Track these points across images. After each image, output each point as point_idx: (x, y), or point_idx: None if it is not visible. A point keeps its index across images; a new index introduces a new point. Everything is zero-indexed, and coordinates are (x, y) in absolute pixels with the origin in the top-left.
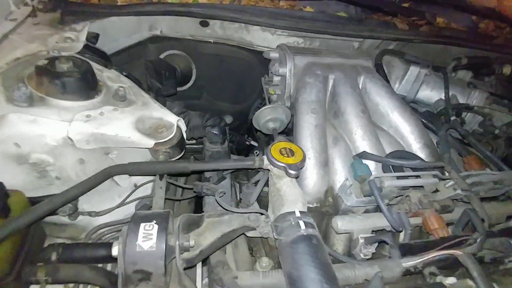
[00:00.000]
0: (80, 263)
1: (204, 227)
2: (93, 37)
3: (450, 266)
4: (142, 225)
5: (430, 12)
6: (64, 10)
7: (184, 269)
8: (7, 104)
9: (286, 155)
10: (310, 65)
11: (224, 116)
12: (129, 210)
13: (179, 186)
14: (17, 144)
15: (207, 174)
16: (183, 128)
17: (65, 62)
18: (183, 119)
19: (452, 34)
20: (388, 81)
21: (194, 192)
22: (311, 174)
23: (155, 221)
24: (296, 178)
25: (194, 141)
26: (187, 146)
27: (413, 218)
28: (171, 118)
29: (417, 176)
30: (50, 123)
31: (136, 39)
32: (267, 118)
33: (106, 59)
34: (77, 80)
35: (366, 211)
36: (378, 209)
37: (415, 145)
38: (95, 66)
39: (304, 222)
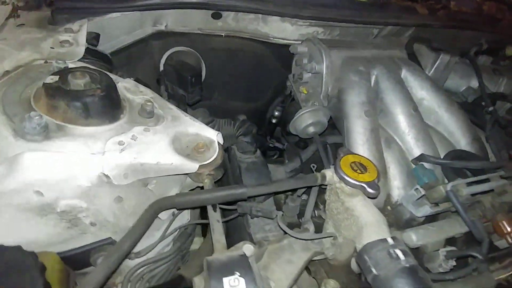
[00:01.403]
0: None
1: (267, 257)
2: (93, 38)
3: None
4: (226, 280)
5: None
6: (55, 7)
7: None
8: (16, 140)
9: (359, 171)
10: (349, 60)
11: (237, 116)
12: (166, 242)
13: (223, 208)
14: (39, 192)
15: None
16: (221, 142)
17: (80, 77)
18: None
19: (465, 18)
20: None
21: (239, 213)
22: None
23: (238, 273)
24: (374, 198)
25: None
26: None
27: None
28: (210, 133)
29: (486, 179)
30: (80, 158)
31: (137, 36)
32: (308, 122)
33: (109, 63)
34: (101, 99)
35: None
36: (439, 216)
37: (463, 141)
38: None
39: (401, 251)
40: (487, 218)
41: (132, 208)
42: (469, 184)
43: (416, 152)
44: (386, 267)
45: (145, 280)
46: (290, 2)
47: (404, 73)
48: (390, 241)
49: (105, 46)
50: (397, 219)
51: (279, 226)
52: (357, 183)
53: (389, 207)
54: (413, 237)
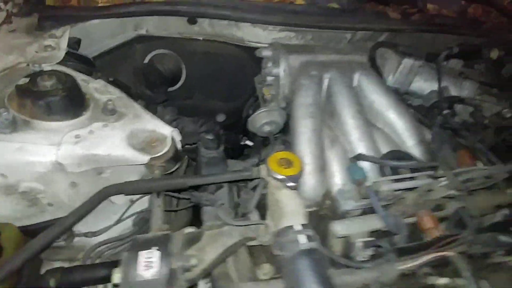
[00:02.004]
0: (80, 286)
1: (205, 241)
2: (74, 43)
3: (443, 265)
4: (143, 253)
5: None
6: (41, 14)
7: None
8: None
9: (284, 166)
10: (305, 64)
11: (217, 114)
12: (127, 225)
13: (176, 197)
14: (4, 174)
15: None
16: (178, 138)
17: (47, 79)
18: (177, 126)
19: (443, 22)
20: (381, 75)
21: (192, 202)
22: (309, 179)
23: (156, 247)
24: (295, 189)
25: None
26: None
27: (411, 219)
28: (165, 130)
29: (412, 178)
30: (38, 148)
31: (121, 40)
32: (263, 121)
33: (90, 65)
34: (63, 98)
35: (364, 213)
36: (374, 210)
37: (410, 142)
38: (81, 77)
39: (305, 235)
40: (410, 214)
41: (87, 193)
42: (394, 181)
43: (358, 151)
44: (289, 249)
45: (105, 258)
46: (259, 8)
47: (358, 77)
48: (297, 227)
49: (91, 50)
50: (334, 212)
51: (218, 214)
52: (279, 176)
53: (327, 201)
54: (337, 227)
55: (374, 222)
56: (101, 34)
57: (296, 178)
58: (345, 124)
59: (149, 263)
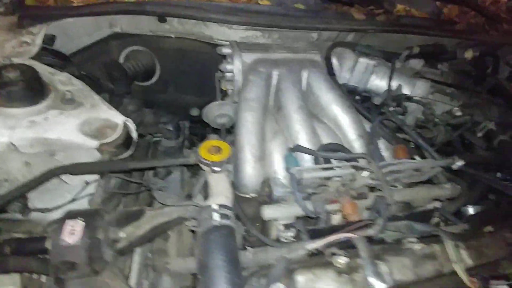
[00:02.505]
0: (30, 255)
1: (144, 220)
2: (49, 39)
3: (351, 247)
4: (68, 221)
5: (389, 0)
6: (22, 14)
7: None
8: None
9: (213, 152)
10: (257, 62)
11: (191, 108)
12: (82, 205)
13: (129, 181)
14: None
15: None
16: (132, 127)
17: (11, 71)
18: (138, 117)
19: (411, 22)
20: (333, 74)
21: (144, 186)
22: (248, 167)
23: (81, 218)
24: (220, 173)
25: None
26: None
27: (334, 205)
28: (118, 118)
29: (333, 168)
30: None
31: (97, 37)
32: (215, 114)
33: (65, 60)
34: (22, 88)
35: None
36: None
37: (351, 136)
38: (48, 70)
39: (219, 214)
40: (332, 200)
41: (40, 172)
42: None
43: (299, 143)
44: (203, 225)
45: None
46: (223, 9)
47: (307, 74)
48: (214, 206)
49: (70, 46)
50: (270, 198)
51: (154, 196)
52: (205, 161)
53: (267, 189)
54: (265, 211)
55: (300, 208)
56: (78, 32)
57: (221, 164)
58: (288, 117)
59: (73, 230)
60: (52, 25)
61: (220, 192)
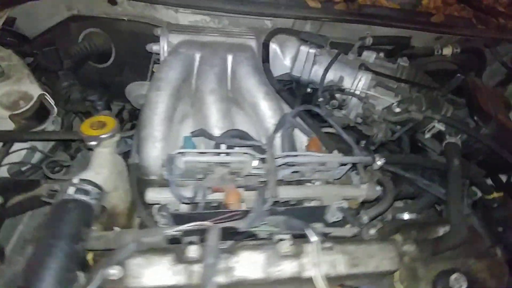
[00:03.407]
0: None
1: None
2: (10, 21)
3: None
4: None
5: None
6: None
7: None
8: None
9: (95, 128)
10: (181, 43)
11: None
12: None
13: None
14: None
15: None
16: (50, 102)
17: None
18: (67, 92)
19: (374, 12)
20: (267, 61)
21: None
22: (148, 148)
23: None
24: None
25: None
26: None
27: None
28: (35, 92)
29: (218, 154)
30: None
31: (57, 20)
32: (133, 94)
33: (23, 40)
34: None
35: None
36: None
37: (267, 124)
38: None
39: (76, 188)
40: (216, 187)
41: None
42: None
43: (210, 127)
44: (56, 198)
45: None
46: None
47: (232, 59)
48: (75, 181)
49: (34, 29)
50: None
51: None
52: (83, 135)
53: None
54: (149, 194)
55: (183, 193)
56: (39, 15)
57: (97, 139)
58: (201, 100)
59: None
60: (16, 9)
61: (93, 168)
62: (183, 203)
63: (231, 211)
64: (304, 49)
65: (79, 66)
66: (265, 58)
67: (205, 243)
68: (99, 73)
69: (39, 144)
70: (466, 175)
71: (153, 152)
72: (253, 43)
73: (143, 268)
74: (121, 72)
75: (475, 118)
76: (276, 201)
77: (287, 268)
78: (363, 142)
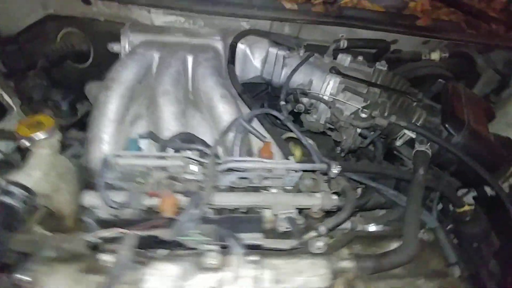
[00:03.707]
0: None
1: None
2: None
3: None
4: None
5: None
6: None
7: None
8: None
9: (32, 129)
10: (143, 43)
11: None
12: None
13: None
14: None
15: None
16: (8, 100)
17: None
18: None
19: (354, 15)
20: (232, 62)
21: None
22: (95, 150)
23: None
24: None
25: None
26: None
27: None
28: None
29: (154, 157)
30: None
31: (35, 18)
32: (94, 93)
33: None
34: None
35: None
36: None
37: (224, 127)
38: None
39: (2, 190)
40: (152, 191)
41: None
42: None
43: (162, 129)
44: None
45: None
46: None
47: (193, 60)
48: (2, 182)
49: (14, 27)
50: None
51: None
52: (17, 135)
53: None
54: (85, 197)
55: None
56: (17, 14)
57: (30, 139)
58: (156, 101)
59: None
60: None
61: (25, 169)
62: (111, 207)
63: (158, 218)
64: (273, 51)
65: (55, 66)
66: (230, 60)
67: (117, 252)
68: (79, 73)
69: (2, 144)
70: (435, 187)
71: (99, 154)
72: (218, 44)
73: (46, 275)
74: (101, 74)
75: (446, 125)
76: (223, 209)
77: (202, 282)
78: (338, 149)
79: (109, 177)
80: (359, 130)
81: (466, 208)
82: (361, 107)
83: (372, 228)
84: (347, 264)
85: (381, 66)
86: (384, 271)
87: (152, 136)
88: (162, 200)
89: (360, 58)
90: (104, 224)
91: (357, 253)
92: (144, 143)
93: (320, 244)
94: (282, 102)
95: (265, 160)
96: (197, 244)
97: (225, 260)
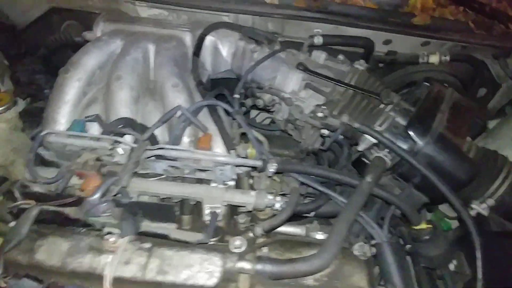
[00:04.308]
0: None
1: None
2: None
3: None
4: None
5: None
6: None
7: None
8: None
9: None
10: (112, 32)
11: None
12: None
13: None
14: None
15: None
16: None
17: None
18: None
19: (341, 11)
20: (197, 55)
21: None
22: (48, 129)
23: None
24: None
25: None
26: None
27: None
28: None
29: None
30: None
31: (41, 11)
32: None
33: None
34: None
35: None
36: None
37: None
38: None
39: None
40: (78, 171)
41: None
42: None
43: (114, 113)
44: None
45: None
46: None
47: (154, 49)
48: None
49: (23, 19)
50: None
51: None
52: None
53: None
54: (26, 173)
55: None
56: (25, 6)
57: None
58: (109, 87)
59: None
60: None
61: None
62: (35, 182)
63: (71, 197)
64: (240, 44)
65: (54, 55)
66: (196, 51)
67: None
68: None
69: None
70: (387, 198)
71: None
72: (185, 35)
73: None
74: None
75: (408, 131)
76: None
77: (87, 262)
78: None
79: (46, 154)
80: (325, 132)
81: (423, 226)
82: (317, 105)
83: (319, 236)
84: (245, 265)
85: (359, 65)
86: (287, 278)
87: (97, 119)
88: (85, 180)
89: (341, 56)
90: (29, 196)
91: (265, 256)
92: (95, 127)
93: (238, 243)
94: (236, 95)
95: (192, 150)
96: (102, 225)
97: (118, 244)
